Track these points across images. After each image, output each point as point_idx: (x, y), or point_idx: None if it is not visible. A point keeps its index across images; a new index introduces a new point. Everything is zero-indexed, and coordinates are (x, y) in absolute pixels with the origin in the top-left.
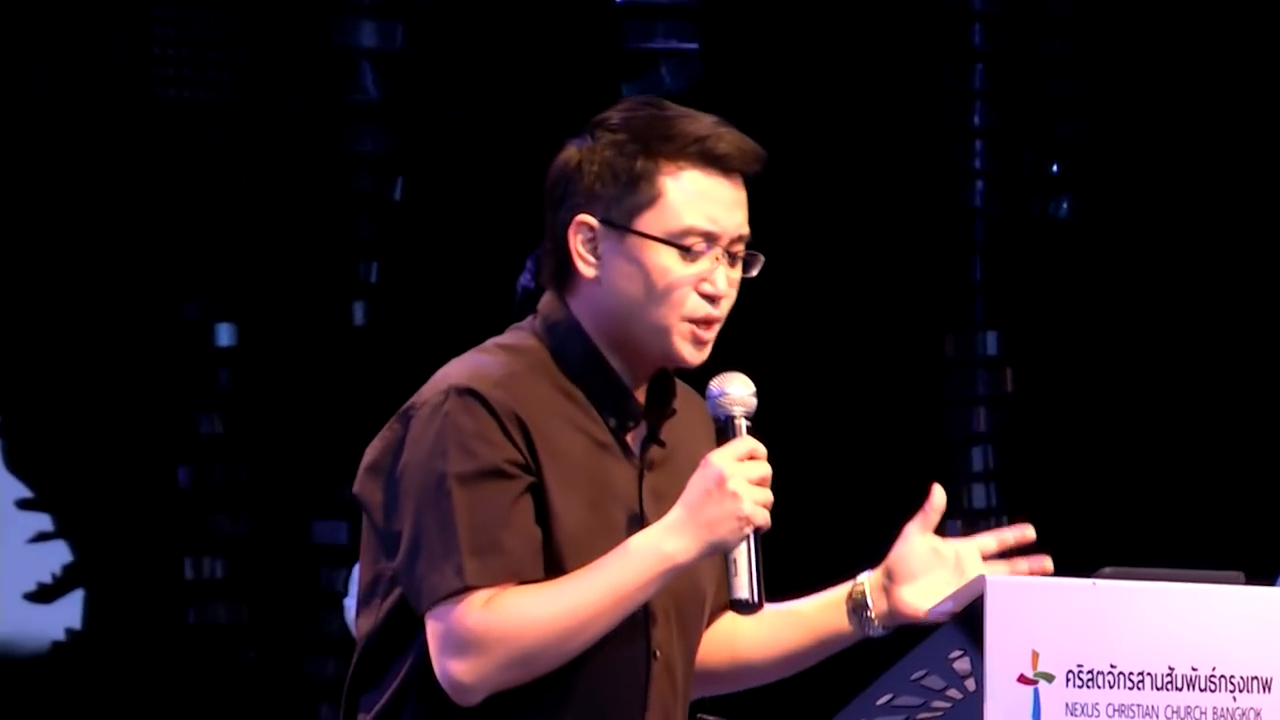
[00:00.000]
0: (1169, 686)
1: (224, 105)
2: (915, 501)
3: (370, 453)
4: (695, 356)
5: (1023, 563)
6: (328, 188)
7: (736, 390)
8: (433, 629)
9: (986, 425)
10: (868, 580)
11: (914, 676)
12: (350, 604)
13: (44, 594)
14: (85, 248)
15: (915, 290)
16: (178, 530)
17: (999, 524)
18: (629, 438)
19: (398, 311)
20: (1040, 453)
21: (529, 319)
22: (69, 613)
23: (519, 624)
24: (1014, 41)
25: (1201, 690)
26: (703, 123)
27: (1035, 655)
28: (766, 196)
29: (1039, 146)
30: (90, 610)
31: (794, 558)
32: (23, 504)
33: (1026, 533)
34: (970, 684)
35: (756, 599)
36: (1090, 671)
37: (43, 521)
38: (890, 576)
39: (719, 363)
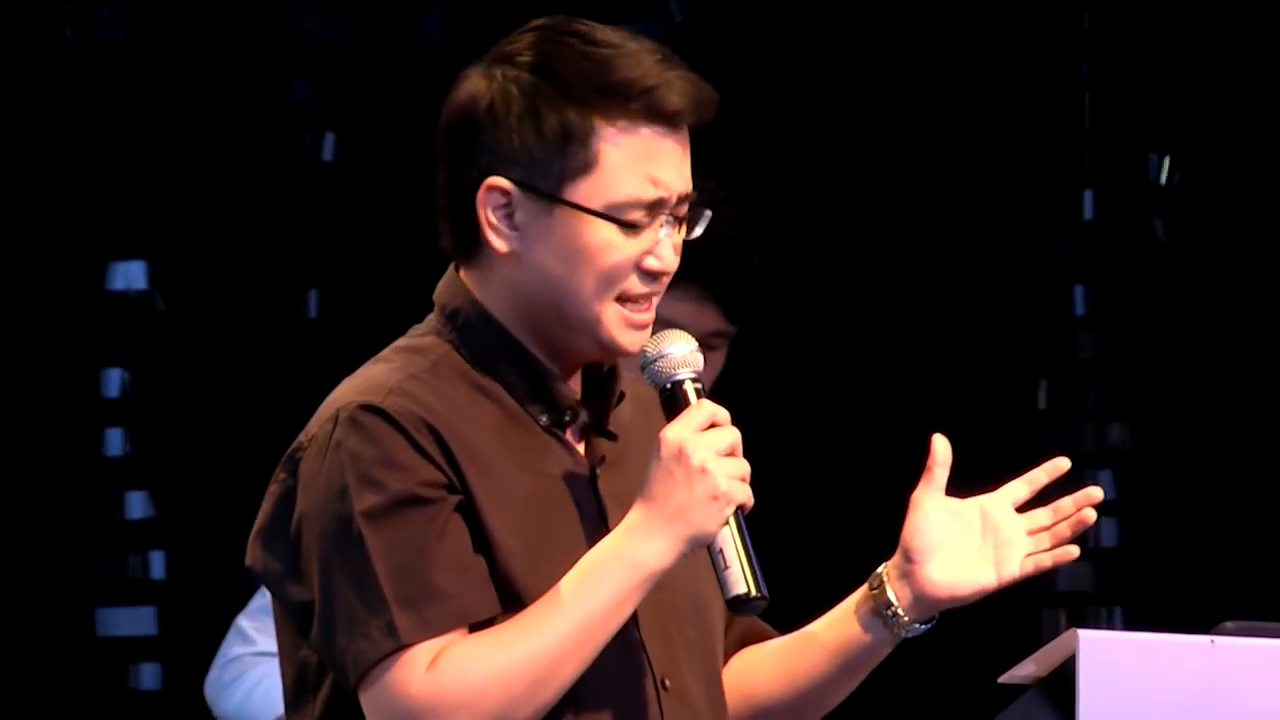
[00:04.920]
0: None
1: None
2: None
3: (260, 515)
4: (634, 342)
5: (1067, 501)
6: (257, 147)
7: (677, 349)
8: (370, 706)
9: (1094, 446)
10: (885, 571)
11: None
12: (214, 677)
13: None
14: None
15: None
16: (87, 579)
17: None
18: (568, 435)
19: (359, 302)
20: (1156, 482)
21: (428, 316)
22: None
23: (477, 682)
24: None
25: None
26: (646, 64)
27: None
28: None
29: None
30: None
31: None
32: None
33: (1060, 465)
34: None
35: (758, 590)
36: None
37: None
38: (909, 557)
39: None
